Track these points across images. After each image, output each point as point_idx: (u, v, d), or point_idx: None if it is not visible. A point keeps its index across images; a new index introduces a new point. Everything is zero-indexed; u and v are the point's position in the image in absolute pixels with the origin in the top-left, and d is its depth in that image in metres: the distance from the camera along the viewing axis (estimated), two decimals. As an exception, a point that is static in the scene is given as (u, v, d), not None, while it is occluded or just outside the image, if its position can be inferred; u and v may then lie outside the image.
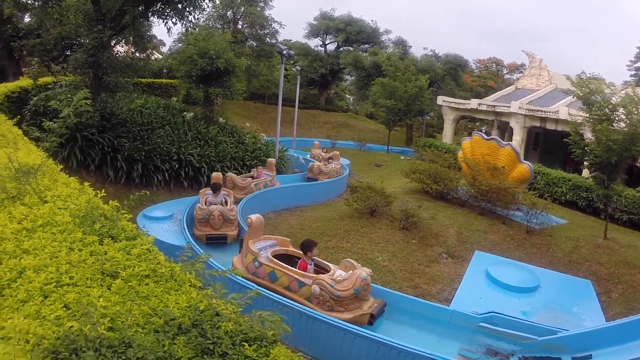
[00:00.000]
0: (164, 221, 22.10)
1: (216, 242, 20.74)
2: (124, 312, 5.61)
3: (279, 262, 15.87)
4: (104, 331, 5.00)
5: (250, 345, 5.37)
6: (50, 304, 5.60)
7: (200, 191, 23.77)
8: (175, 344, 5.15)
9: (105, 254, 7.11)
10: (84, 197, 9.86)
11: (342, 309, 14.15)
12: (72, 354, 4.58)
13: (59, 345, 4.66)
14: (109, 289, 6.20)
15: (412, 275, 20.30)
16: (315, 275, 15.01)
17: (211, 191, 22.72)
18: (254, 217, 17.29)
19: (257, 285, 14.84)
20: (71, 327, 5.02)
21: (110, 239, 7.77)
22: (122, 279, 6.42)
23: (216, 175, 24.84)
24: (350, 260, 15.82)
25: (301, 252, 16.24)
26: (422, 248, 23.05)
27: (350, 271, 14.97)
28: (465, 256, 23.27)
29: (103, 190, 10.52)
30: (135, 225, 8.70)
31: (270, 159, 30.75)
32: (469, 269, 21.53)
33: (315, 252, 16.28)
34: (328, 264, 16.17)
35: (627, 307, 19.74)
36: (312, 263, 16.11)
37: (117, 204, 9.14)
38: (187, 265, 6.79)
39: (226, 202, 22.42)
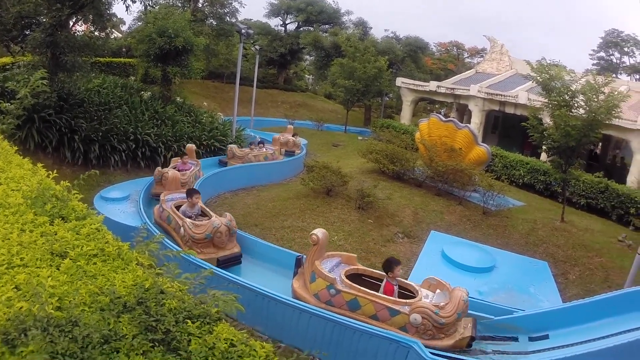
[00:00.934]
0: (121, 202, 21.95)
1: (230, 264, 16.97)
2: (71, 291, 5.69)
3: (362, 287, 13.73)
4: (52, 311, 5.07)
5: (193, 322, 5.48)
6: (2, 286, 5.66)
7: (162, 197, 20.23)
8: (120, 321, 5.23)
9: (55, 234, 7.18)
10: (37, 178, 9.84)
11: (443, 336, 12.85)
12: (21, 334, 4.66)
13: (9, 327, 4.75)
14: (58, 269, 6.29)
15: (367, 255, 20.43)
16: (410, 301, 13.22)
17: (175, 197, 20.22)
18: (319, 232, 14.59)
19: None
20: (21, 307, 5.07)
21: (60, 219, 7.85)
22: (70, 259, 6.51)
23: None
24: (435, 277, 14.45)
25: (383, 272, 14.41)
26: (378, 228, 23.19)
27: (438, 290, 14.01)
28: (421, 236, 23.42)
29: (57, 172, 10.47)
30: (85, 205, 8.72)
31: (189, 144, 28.65)
32: (425, 249, 21.75)
33: (399, 271, 14.25)
34: (410, 282, 14.68)
35: (584, 289, 20.08)
36: (397, 285, 14.12)
37: (68, 184, 9.14)
38: (142, 245, 6.82)
39: (204, 213, 18.91)
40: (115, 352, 4.84)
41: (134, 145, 28.41)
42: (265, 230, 20.77)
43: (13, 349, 4.62)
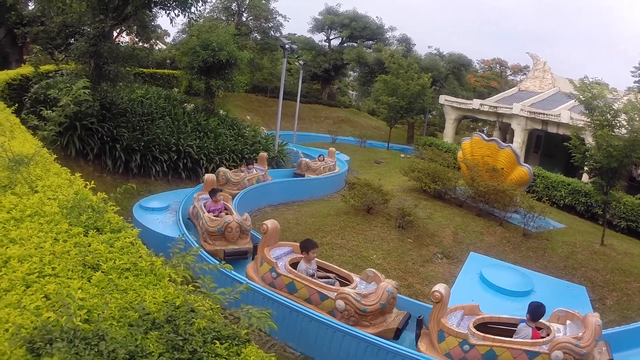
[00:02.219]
0: (160, 212, 21.95)
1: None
2: (101, 304, 5.64)
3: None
4: (80, 323, 5.04)
5: (221, 344, 5.38)
6: (32, 294, 5.66)
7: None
8: (147, 338, 5.16)
9: (89, 245, 7.15)
10: (74, 187, 9.85)
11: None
12: (46, 344, 4.63)
13: (36, 335, 4.73)
14: (89, 281, 6.25)
15: (405, 275, 20.22)
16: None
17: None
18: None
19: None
20: (49, 317, 5.06)
21: (95, 230, 7.81)
22: (102, 272, 6.48)
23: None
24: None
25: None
26: (417, 247, 22.96)
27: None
28: (460, 257, 23.20)
29: (98, 179, 10.56)
30: (121, 217, 8.70)
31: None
32: (463, 270, 21.52)
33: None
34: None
35: (621, 315, 19.73)
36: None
37: (105, 196, 9.14)
38: (178, 257, 6.76)
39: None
40: None
41: (175, 157, 28.47)
42: None
43: (37, 358, 4.60)
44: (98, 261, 6.78)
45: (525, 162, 34.02)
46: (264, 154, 29.84)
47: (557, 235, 27.66)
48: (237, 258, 17.96)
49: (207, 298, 6.23)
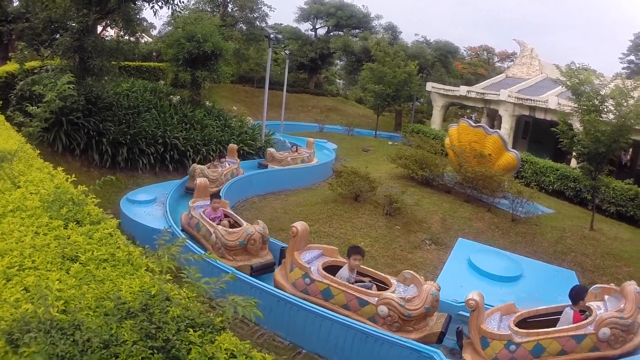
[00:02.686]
0: (147, 205, 21.86)
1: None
2: (78, 295, 5.71)
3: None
4: (57, 313, 5.11)
5: (195, 331, 5.40)
6: (12, 287, 5.74)
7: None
8: (122, 327, 5.19)
9: (69, 238, 7.21)
10: (55, 181, 9.88)
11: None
12: (24, 335, 4.67)
13: (14, 327, 4.78)
14: (68, 272, 6.31)
15: (394, 261, 20.32)
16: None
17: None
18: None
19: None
20: (27, 309, 5.13)
21: (75, 223, 7.89)
22: (80, 263, 6.55)
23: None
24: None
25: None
26: (406, 234, 23.07)
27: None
28: (449, 243, 23.23)
29: (85, 174, 10.59)
30: (101, 209, 8.73)
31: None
32: (451, 257, 21.48)
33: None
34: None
35: (612, 300, 19.83)
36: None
37: (86, 188, 9.15)
38: (164, 248, 6.76)
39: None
40: (114, 358, 4.82)
41: (162, 149, 28.42)
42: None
43: (16, 349, 4.66)
44: (77, 253, 6.84)
45: (513, 148, 34.15)
46: (233, 146, 29.48)
47: (546, 221, 27.81)
48: (264, 272, 16.56)
49: (186, 287, 6.24)
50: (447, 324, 13.63)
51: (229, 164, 26.98)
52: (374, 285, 14.04)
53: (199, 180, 21.57)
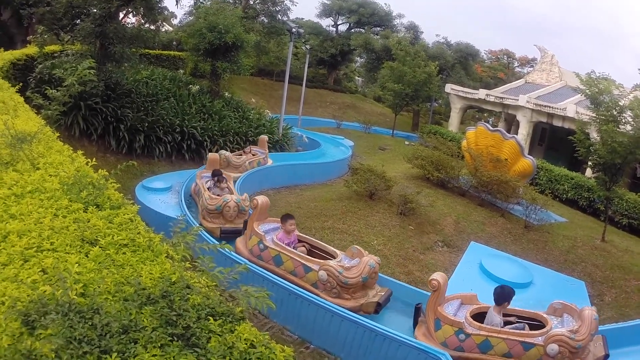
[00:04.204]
0: (162, 192, 22.11)
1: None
2: (97, 279, 5.72)
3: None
4: (75, 297, 5.11)
5: (215, 320, 5.41)
6: (29, 268, 5.77)
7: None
8: (142, 313, 5.21)
9: (88, 221, 7.23)
10: (75, 165, 9.91)
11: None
12: (41, 317, 4.69)
13: (31, 308, 4.80)
14: (87, 256, 6.33)
15: (405, 261, 20.25)
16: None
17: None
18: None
19: (262, 268, 14.64)
20: (44, 291, 5.11)
21: (95, 207, 7.90)
22: (100, 247, 6.56)
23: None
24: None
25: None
26: (418, 235, 23.00)
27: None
28: (461, 246, 23.18)
29: (101, 159, 10.65)
30: (121, 194, 8.79)
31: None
32: (463, 260, 21.49)
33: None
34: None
35: (619, 312, 19.76)
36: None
37: (106, 173, 9.19)
38: (179, 236, 6.78)
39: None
40: (133, 343, 4.81)
41: (179, 138, 28.57)
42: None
43: (32, 331, 4.66)
44: (96, 236, 6.86)
45: (529, 154, 34.06)
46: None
47: (558, 229, 27.67)
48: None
49: (205, 276, 6.27)
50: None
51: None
52: (526, 326, 13.37)
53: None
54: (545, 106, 47.17)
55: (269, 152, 31.45)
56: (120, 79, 27.81)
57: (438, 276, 13.27)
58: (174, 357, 4.81)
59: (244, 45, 34.92)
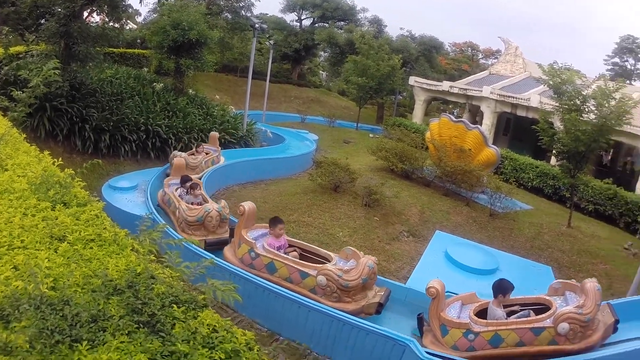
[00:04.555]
0: (129, 191, 22.18)
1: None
2: (66, 273, 5.99)
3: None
4: (46, 290, 5.33)
5: (179, 307, 5.71)
6: (2, 266, 6.00)
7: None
8: (109, 303, 5.48)
9: (56, 219, 7.50)
10: (42, 165, 10.09)
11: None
12: (15, 311, 4.93)
13: (5, 303, 5.02)
14: (56, 251, 6.61)
15: (371, 252, 20.05)
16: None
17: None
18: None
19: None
20: (17, 286, 5.37)
21: (62, 205, 8.17)
22: (68, 243, 6.86)
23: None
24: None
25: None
26: (384, 225, 23.29)
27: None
28: (426, 235, 23.45)
29: (68, 160, 10.77)
30: (87, 192, 8.98)
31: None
32: (428, 248, 21.74)
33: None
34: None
35: (587, 296, 20.05)
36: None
37: (72, 172, 9.37)
38: (145, 233, 6.96)
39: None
40: (102, 331, 5.09)
41: (144, 136, 28.55)
42: None
43: (7, 324, 4.87)
44: (64, 233, 7.14)
45: (494, 144, 34.37)
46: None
47: (524, 217, 28.09)
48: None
49: (166, 268, 6.50)
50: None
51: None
52: (531, 312, 13.42)
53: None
54: (509, 97, 47.57)
55: (234, 148, 32.03)
56: (84, 79, 27.75)
57: (435, 283, 13.25)
58: (140, 343, 5.08)
59: (207, 42, 34.92)
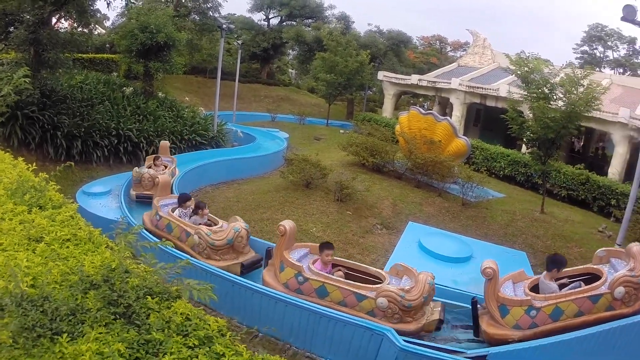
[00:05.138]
0: (103, 196, 22.19)
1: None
2: (45, 271, 6.25)
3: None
4: (26, 288, 5.60)
5: (153, 299, 5.98)
6: None
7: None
8: (87, 297, 5.76)
9: (33, 221, 7.71)
10: (17, 170, 10.22)
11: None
12: (-2, 308, 5.10)
13: (-12, 302, 5.20)
14: (34, 252, 6.88)
15: (346, 246, 20.78)
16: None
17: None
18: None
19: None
20: None
21: (38, 208, 8.39)
22: (45, 243, 7.14)
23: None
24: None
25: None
26: (357, 219, 23.56)
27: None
28: (399, 227, 23.68)
29: (41, 168, 10.83)
30: (62, 195, 9.19)
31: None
32: (402, 240, 21.90)
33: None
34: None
35: (564, 279, 20.32)
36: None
37: (47, 175, 9.53)
38: (120, 236, 7.13)
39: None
40: (80, 324, 5.39)
41: (116, 141, 28.60)
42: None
43: (-9, 322, 5.07)
44: (41, 234, 7.42)
45: (465, 135, 34.62)
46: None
47: (496, 205, 28.42)
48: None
49: (141, 264, 6.71)
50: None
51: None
52: (581, 283, 13.52)
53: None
54: (477, 87, 47.87)
55: (205, 149, 32.51)
56: (55, 86, 27.77)
57: (491, 263, 13.44)
58: (117, 333, 5.36)
59: (175, 44, 34.94)
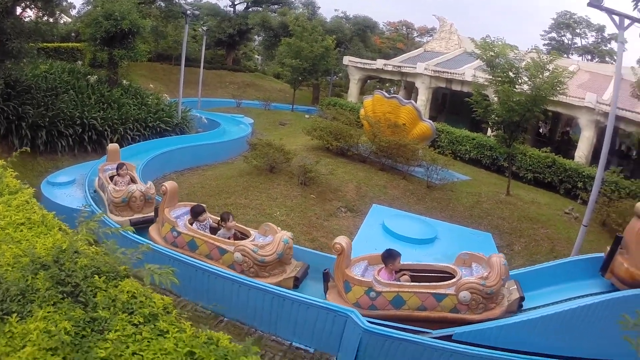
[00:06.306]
0: (67, 186, 22.00)
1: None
2: None
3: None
4: None
5: (100, 277, 6.11)
6: None
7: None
8: (37, 278, 5.88)
9: None
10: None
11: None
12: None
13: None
14: None
15: (310, 229, 20.94)
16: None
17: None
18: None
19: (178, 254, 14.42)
20: None
21: None
22: (0, 228, 7.01)
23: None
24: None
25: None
26: (321, 203, 23.76)
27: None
28: (364, 210, 23.95)
29: (5, 160, 10.85)
30: (18, 181, 9.22)
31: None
32: (366, 222, 22.22)
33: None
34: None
35: (530, 260, 20.76)
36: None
37: (4, 162, 9.59)
38: (83, 224, 7.19)
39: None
40: (30, 303, 5.54)
41: (80, 130, 28.44)
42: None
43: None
44: None
45: (430, 119, 34.83)
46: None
47: (462, 187, 28.80)
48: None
49: (93, 246, 6.81)
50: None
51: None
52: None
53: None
54: (443, 72, 48.29)
55: (169, 136, 32.42)
56: (19, 76, 27.50)
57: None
58: (65, 312, 5.49)
59: (140, 31, 34.74)
